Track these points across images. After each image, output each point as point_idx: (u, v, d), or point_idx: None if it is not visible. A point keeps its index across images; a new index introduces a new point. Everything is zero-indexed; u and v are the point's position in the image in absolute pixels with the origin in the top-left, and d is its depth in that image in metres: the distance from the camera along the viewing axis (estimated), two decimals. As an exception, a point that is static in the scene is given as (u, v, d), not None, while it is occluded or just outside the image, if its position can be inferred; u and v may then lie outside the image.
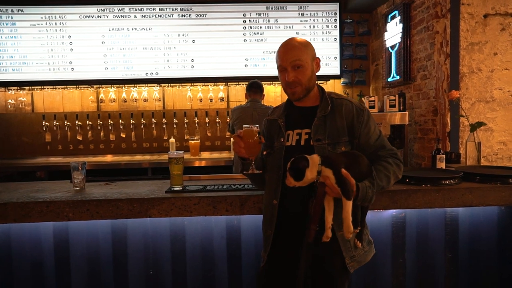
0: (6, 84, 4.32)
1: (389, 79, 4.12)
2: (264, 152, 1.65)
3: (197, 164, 4.02)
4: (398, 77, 3.91)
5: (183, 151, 1.94)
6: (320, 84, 1.68)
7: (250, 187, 1.89)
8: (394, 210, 1.93)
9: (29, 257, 1.92)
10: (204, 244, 1.95)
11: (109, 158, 4.38)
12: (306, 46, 1.56)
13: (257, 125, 1.55)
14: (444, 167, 2.34)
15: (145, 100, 4.57)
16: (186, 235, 1.94)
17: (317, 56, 1.61)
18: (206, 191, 1.85)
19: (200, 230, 1.95)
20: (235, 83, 4.61)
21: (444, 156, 2.39)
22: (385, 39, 4.16)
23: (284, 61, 1.54)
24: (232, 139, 4.12)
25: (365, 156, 1.51)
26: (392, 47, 4.02)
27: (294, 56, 1.52)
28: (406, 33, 3.70)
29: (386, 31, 4.13)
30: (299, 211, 1.51)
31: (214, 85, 4.59)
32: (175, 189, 1.89)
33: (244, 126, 1.54)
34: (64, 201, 1.75)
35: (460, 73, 3.10)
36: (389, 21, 4.05)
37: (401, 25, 3.76)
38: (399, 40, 3.83)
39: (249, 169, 1.57)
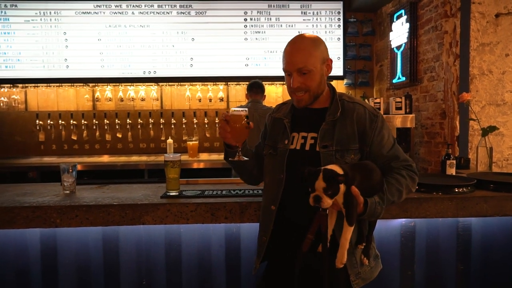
0: (-1, 81, 4.20)
1: (394, 81, 4.02)
2: (265, 152, 1.54)
3: (195, 166, 3.92)
4: (403, 79, 3.81)
5: (180, 154, 1.85)
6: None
7: (251, 193, 1.80)
8: (404, 219, 1.83)
9: (14, 265, 1.82)
10: (201, 253, 1.86)
11: (104, 158, 4.27)
12: (316, 47, 1.39)
13: (246, 109, 1.45)
14: (454, 173, 2.25)
15: (143, 100, 4.46)
16: (182, 243, 1.85)
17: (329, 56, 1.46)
18: (204, 196, 1.77)
19: (197, 238, 1.86)
20: (235, 83, 4.51)
21: (454, 161, 2.30)
22: (390, 39, 4.06)
23: (290, 65, 1.39)
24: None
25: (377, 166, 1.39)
26: (398, 47, 3.91)
27: (301, 63, 1.37)
28: (413, 33, 3.60)
29: (391, 31, 4.03)
30: (299, 219, 1.39)
31: (213, 84, 4.50)
32: (171, 194, 1.80)
33: (232, 109, 1.43)
34: (51, 206, 1.66)
35: (470, 75, 3.01)
36: (394, 20, 3.95)
37: (407, 25, 3.66)
38: (405, 40, 3.73)
39: (235, 156, 1.46)
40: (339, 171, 1.20)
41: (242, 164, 1.52)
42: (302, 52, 1.38)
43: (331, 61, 1.46)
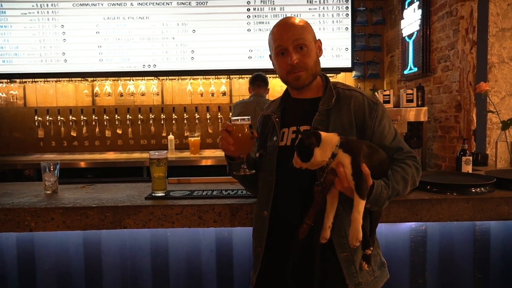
0: (-4, 77, 4.12)
1: (405, 72, 3.82)
2: (257, 154, 1.42)
3: (197, 163, 3.80)
4: (415, 69, 3.61)
5: (166, 151, 1.72)
6: (330, 78, 1.42)
7: (244, 194, 1.66)
8: (413, 222, 1.66)
9: (-12, 272, 1.70)
10: (190, 259, 1.72)
11: (104, 155, 4.16)
12: (307, 25, 1.34)
13: (248, 117, 1.31)
14: (470, 171, 2.09)
15: (143, 94, 4.35)
16: (169, 248, 1.72)
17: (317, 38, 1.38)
18: (192, 197, 1.63)
19: (186, 243, 1.73)
20: (238, 76, 4.36)
21: (470, 158, 2.15)
22: (401, 28, 3.86)
23: (285, 40, 1.29)
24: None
25: None
26: (410, 36, 3.70)
27: (297, 35, 1.29)
28: (426, 19, 3.40)
29: (402, 18, 3.83)
30: (294, 224, 1.25)
31: (215, 78, 4.36)
32: (156, 195, 1.67)
33: (232, 118, 1.31)
34: (25, 208, 1.54)
35: (488, 63, 2.82)
36: (406, 7, 3.75)
37: (420, 11, 3.46)
38: (417, 28, 3.52)
39: (239, 170, 1.33)
40: (333, 137, 1.14)
41: (247, 177, 1.38)
42: (295, 26, 1.31)
43: (321, 42, 1.37)
